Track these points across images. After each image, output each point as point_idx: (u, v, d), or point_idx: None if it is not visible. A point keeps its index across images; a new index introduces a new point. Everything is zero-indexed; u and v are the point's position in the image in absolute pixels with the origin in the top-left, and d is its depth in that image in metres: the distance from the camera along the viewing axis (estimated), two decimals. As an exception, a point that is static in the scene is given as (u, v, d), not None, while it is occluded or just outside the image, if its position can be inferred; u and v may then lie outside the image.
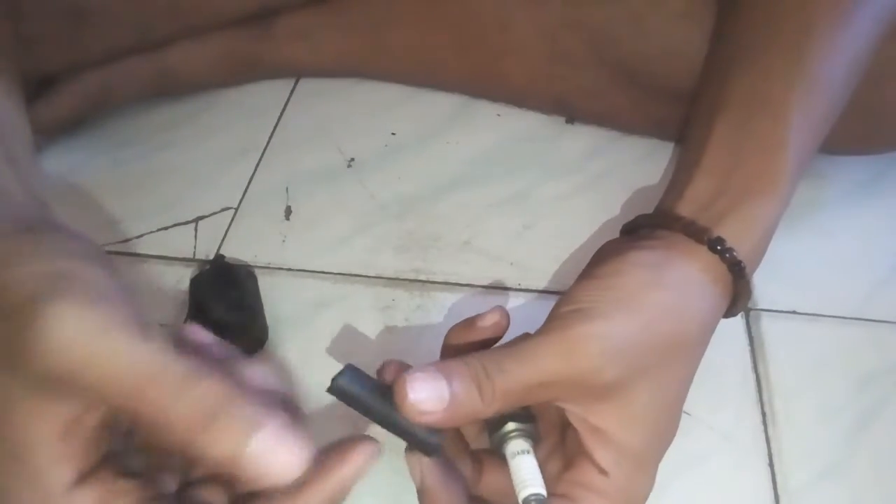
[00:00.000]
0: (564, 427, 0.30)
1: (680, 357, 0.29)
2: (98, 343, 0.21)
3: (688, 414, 0.37)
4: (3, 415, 0.22)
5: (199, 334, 0.27)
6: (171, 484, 0.26)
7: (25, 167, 0.32)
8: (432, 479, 0.28)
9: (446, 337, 0.32)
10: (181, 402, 0.21)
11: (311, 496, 0.24)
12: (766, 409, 0.37)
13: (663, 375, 0.28)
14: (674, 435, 0.29)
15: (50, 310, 0.21)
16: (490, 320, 0.31)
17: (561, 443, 0.30)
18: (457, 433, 0.31)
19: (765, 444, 0.36)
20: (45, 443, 0.22)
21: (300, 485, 0.24)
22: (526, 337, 0.28)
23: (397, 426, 0.26)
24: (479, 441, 0.31)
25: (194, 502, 0.26)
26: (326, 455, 0.25)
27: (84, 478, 0.23)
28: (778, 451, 0.36)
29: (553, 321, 0.28)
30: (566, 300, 0.28)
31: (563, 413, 0.29)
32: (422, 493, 0.28)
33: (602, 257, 0.31)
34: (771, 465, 0.35)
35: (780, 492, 0.34)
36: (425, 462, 0.28)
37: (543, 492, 0.27)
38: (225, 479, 0.27)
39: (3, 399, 0.22)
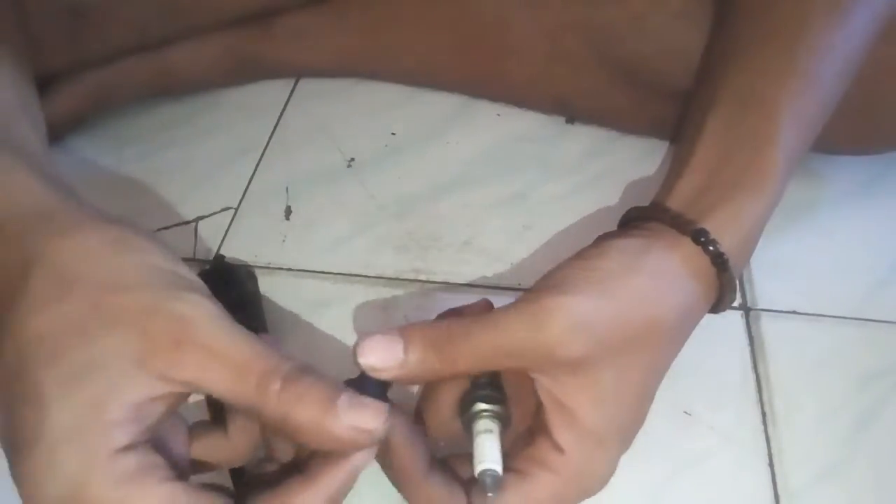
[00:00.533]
0: (538, 411, 0.30)
1: (652, 344, 0.29)
2: (220, 324, 0.25)
3: (688, 414, 0.37)
4: (97, 366, 0.23)
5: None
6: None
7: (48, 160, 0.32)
8: (398, 437, 0.28)
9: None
10: (275, 379, 0.24)
11: (317, 489, 0.25)
12: (766, 409, 0.37)
13: (633, 360, 0.28)
14: (641, 424, 0.29)
15: (189, 294, 0.25)
16: (475, 310, 0.31)
17: (530, 425, 0.30)
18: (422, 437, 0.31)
19: (765, 444, 0.36)
20: (120, 406, 0.23)
21: (307, 479, 0.25)
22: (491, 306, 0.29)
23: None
24: (450, 425, 0.31)
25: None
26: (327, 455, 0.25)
27: (131, 447, 0.23)
28: (778, 451, 0.36)
29: (527, 294, 0.28)
30: (544, 277, 0.29)
31: (538, 396, 0.29)
32: (389, 451, 0.29)
33: (589, 245, 0.31)
34: (771, 465, 0.35)
35: (780, 492, 0.34)
36: (393, 420, 0.28)
37: (498, 468, 0.27)
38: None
39: (104, 353, 0.24)
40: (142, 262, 0.25)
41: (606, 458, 0.29)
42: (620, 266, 0.29)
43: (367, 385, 0.27)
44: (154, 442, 0.25)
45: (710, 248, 0.29)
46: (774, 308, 0.41)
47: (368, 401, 0.25)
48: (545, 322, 0.27)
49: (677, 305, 0.29)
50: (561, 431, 0.28)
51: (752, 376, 0.38)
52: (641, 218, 0.32)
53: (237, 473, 0.33)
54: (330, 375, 0.25)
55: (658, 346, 0.29)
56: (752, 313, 0.41)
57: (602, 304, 0.28)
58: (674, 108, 0.44)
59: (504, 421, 0.29)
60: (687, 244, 0.30)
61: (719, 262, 0.30)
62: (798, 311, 0.41)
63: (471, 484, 0.29)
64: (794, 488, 0.34)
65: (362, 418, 0.25)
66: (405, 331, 0.27)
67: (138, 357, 0.23)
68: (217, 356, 0.24)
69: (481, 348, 0.27)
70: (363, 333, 0.27)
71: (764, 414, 0.37)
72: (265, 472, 0.29)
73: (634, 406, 0.29)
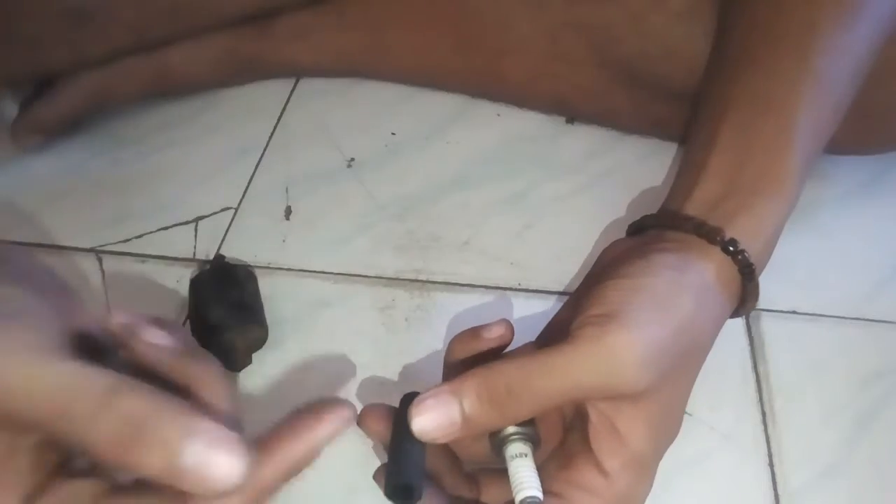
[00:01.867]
0: (567, 428, 0.30)
1: (694, 361, 0.29)
2: (7, 370, 0.21)
3: (688, 414, 0.37)
4: None
5: (156, 336, 0.26)
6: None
7: None
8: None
9: (449, 349, 0.31)
10: (102, 419, 0.20)
11: (278, 456, 0.23)
12: (766, 409, 0.37)
13: (681, 380, 0.28)
14: (675, 437, 0.29)
15: None
16: (496, 332, 0.30)
17: (561, 444, 0.30)
18: (450, 456, 0.31)
19: (765, 444, 0.36)
20: None
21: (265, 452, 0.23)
22: (551, 343, 0.27)
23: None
24: (475, 446, 0.31)
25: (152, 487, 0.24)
26: (299, 415, 0.24)
27: (32, 498, 0.22)
28: (778, 451, 0.36)
29: (585, 326, 0.26)
30: (595, 301, 0.27)
31: (565, 414, 0.28)
32: None
33: (622, 257, 0.30)
34: (771, 465, 0.35)
35: (780, 492, 0.34)
36: (378, 426, 0.29)
37: (539, 495, 0.27)
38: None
39: None
40: None
41: (648, 482, 0.29)
42: (670, 284, 0.28)
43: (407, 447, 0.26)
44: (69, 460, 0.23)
45: (739, 257, 0.29)
46: (774, 308, 0.41)
47: (230, 445, 0.21)
48: (614, 363, 0.26)
49: (713, 319, 0.29)
50: (608, 456, 0.27)
51: (752, 376, 0.38)
52: (660, 226, 0.32)
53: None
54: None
55: (697, 363, 0.29)
56: (752, 313, 0.40)
57: (662, 332, 0.27)
58: (674, 109, 0.44)
59: (535, 442, 0.29)
60: (717, 254, 0.30)
61: (747, 271, 0.30)
62: (798, 311, 0.41)
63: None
64: (794, 488, 0.34)
65: (213, 467, 0.21)
66: (457, 387, 0.26)
67: None
68: (26, 404, 0.21)
69: (545, 396, 0.26)
70: (417, 401, 0.25)
71: (764, 414, 0.37)
72: None
73: (675, 425, 0.29)
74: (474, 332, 0.31)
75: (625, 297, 0.27)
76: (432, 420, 0.25)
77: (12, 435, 0.22)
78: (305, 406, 0.24)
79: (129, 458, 0.20)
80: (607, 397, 0.27)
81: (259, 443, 0.23)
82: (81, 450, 0.21)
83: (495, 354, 0.31)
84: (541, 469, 0.28)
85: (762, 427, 0.36)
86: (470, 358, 0.30)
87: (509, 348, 0.31)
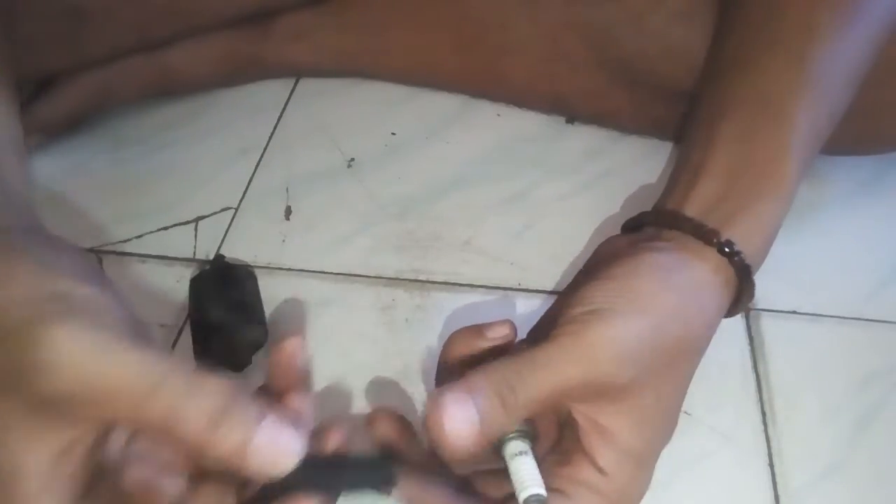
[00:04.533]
0: (562, 424, 0.30)
1: (684, 359, 0.29)
2: (99, 361, 0.22)
3: (688, 414, 0.37)
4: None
5: None
6: (174, 487, 0.26)
7: (12, 171, 0.31)
8: (397, 443, 0.29)
9: (448, 346, 0.31)
10: (191, 403, 0.23)
11: None
12: (766, 409, 0.37)
13: (669, 377, 0.28)
14: (671, 435, 0.29)
15: (48, 333, 0.22)
16: (500, 332, 0.30)
17: (558, 439, 0.30)
18: (436, 467, 0.31)
19: (765, 444, 0.36)
20: (35, 472, 0.22)
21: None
22: (536, 342, 0.28)
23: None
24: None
25: None
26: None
27: (77, 501, 0.23)
28: (778, 451, 0.36)
29: (567, 324, 0.27)
30: (579, 300, 0.28)
31: (561, 411, 0.29)
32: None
33: (613, 257, 0.30)
34: (771, 465, 0.35)
35: (780, 492, 0.34)
36: (387, 429, 0.30)
37: (543, 492, 0.27)
38: (229, 479, 0.27)
39: (5, 416, 0.22)
40: (5, 296, 0.23)
41: (647, 476, 0.29)
42: (655, 284, 0.28)
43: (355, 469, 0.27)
44: (105, 482, 0.24)
45: (736, 258, 0.30)
46: (774, 308, 0.41)
47: (287, 431, 0.24)
48: (595, 356, 0.26)
49: (705, 318, 0.29)
50: (602, 454, 0.27)
51: (752, 376, 0.38)
52: (658, 224, 0.32)
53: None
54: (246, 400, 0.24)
55: (689, 360, 0.29)
56: (752, 313, 0.41)
57: (644, 328, 0.27)
58: (674, 109, 0.44)
59: (533, 438, 0.29)
60: (713, 255, 0.30)
61: (744, 272, 0.30)
62: (798, 311, 0.41)
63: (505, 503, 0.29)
64: (794, 488, 0.34)
65: (277, 449, 0.24)
66: (470, 384, 0.26)
67: (31, 416, 0.22)
68: (113, 395, 0.22)
69: (540, 394, 0.26)
70: (434, 402, 0.26)
71: (764, 414, 0.37)
72: None
73: (669, 422, 0.29)
74: (478, 330, 0.31)
75: (607, 297, 0.28)
76: (460, 422, 0.25)
77: (78, 431, 0.23)
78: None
79: (212, 436, 0.23)
80: (590, 394, 0.27)
81: None
82: (162, 435, 0.23)
83: (495, 355, 0.30)
84: (540, 466, 0.28)
85: (762, 427, 0.36)
86: (468, 358, 0.30)
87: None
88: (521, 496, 0.27)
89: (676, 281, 0.29)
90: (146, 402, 0.22)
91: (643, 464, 0.28)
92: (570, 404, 0.28)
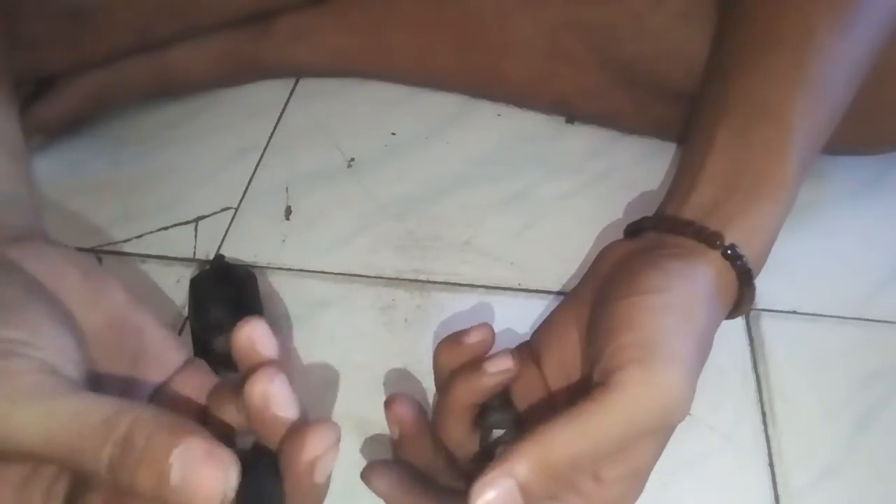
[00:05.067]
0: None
1: (701, 367, 0.29)
2: (15, 411, 0.21)
3: (688, 414, 0.37)
4: None
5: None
6: None
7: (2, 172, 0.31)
8: (410, 429, 0.29)
9: (436, 360, 0.32)
10: (103, 447, 0.21)
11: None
12: (766, 409, 0.37)
13: None
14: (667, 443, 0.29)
15: None
16: (476, 338, 0.30)
17: None
18: (446, 454, 0.31)
19: (765, 444, 0.36)
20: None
21: None
22: (585, 387, 0.26)
23: None
24: (466, 446, 0.31)
25: None
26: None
27: None
28: (778, 451, 0.36)
29: (625, 367, 0.25)
30: (623, 325, 0.27)
31: None
32: (399, 443, 0.30)
33: (632, 266, 0.29)
34: (771, 465, 0.35)
35: (780, 492, 0.34)
36: (404, 414, 0.29)
37: None
38: None
39: None
40: None
41: (641, 488, 0.29)
42: (688, 299, 0.28)
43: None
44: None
45: (738, 262, 0.30)
46: (774, 308, 0.41)
47: (214, 451, 0.21)
48: (669, 404, 0.25)
49: (713, 325, 0.30)
50: (608, 467, 0.27)
51: (752, 376, 0.38)
52: (659, 229, 0.32)
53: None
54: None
55: (702, 368, 0.29)
56: (752, 313, 0.41)
57: (695, 357, 0.27)
58: (674, 109, 0.44)
59: (514, 414, 0.30)
60: (717, 259, 0.30)
61: (745, 276, 0.30)
62: (798, 311, 0.41)
63: None
64: (794, 488, 0.34)
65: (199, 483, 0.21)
66: (511, 468, 0.24)
67: None
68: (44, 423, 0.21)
69: (605, 448, 0.25)
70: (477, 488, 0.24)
71: (764, 414, 0.37)
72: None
73: (670, 432, 0.29)
74: (455, 339, 0.31)
75: (654, 320, 0.27)
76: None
77: (32, 465, 0.23)
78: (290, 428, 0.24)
79: (126, 481, 0.21)
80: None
81: None
82: (95, 479, 0.22)
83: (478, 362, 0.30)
84: None
85: (762, 427, 0.36)
86: (459, 368, 0.31)
87: (494, 349, 0.31)
88: None
89: (699, 291, 0.28)
90: (69, 455, 0.21)
91: (642, 479, 0.28)
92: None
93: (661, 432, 0.27)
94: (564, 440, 0.24)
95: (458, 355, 0.31)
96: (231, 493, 0.21)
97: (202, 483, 0.20)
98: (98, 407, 0.21)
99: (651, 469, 0.28)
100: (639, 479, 0.28)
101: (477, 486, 0.24)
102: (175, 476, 0.20)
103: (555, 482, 0.25)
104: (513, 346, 0.32)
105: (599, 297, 0.30)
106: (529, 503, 0.24)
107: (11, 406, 0.21)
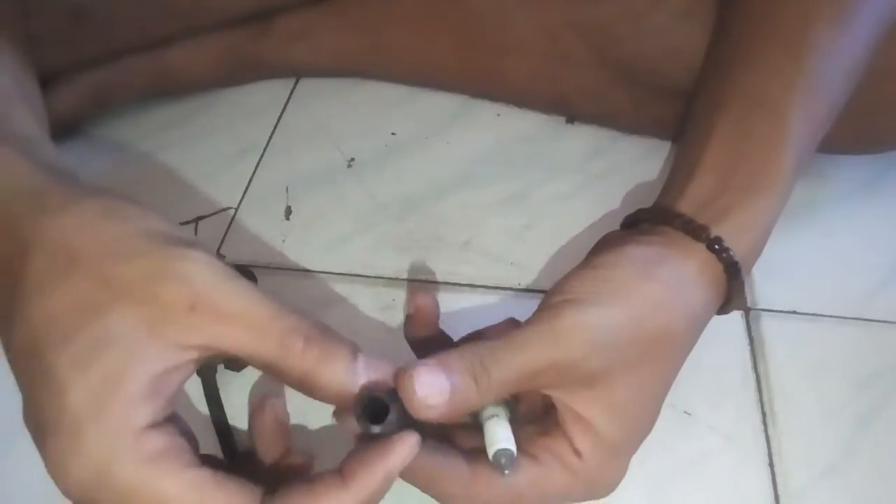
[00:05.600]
0: (546, 407, 0.30)
1: (665, 352, 0.29)
2: (223, 284, 0.24)
3: (688, 414, 0.37)
4: (111, 341, 0.23)
5: None
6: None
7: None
8: (424, 306, 0.33)
9: (405, 331, 0.34)
10: (298, 338, 0.24)
11: (357, 487, 0.25)
12: (766, 409, 0.37)
13: (647, 369, 0.28)
14: (651, 428, 0.30)
15: (181, 252, 0.24)
16: (412, 307, 0.33)
17: (541, 418, 0.30)
18: (446, 436, 0.31)
19: (765, 444, 0.36)
20: (139, 382, 0.23)
21: (344, 480, 0.25)
22: (516, 325, 0.29)
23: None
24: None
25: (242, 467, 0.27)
26: (369, 448, 0.25)
27: (155, 426, 0.23)
28: (778, 451, 0.36)
29: (544, 310, 0.28)
30: (558, 289, 0.29)
31: (546, 395, 0.29)
32: (412, 318, 0.33)
33: (600, 248, 0.31)
34: (771, 465, 0.35)
35: (780, 492, 0.34)
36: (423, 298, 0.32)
37: (512, 447, 0.27)
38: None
39: (117, 326, 0.23)
40: (140, 227, 0.25)
41: (620, 465, 0.29)
42: (635, 276, 0.29)
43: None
44: (176, 424, 0.25)
45: (724, 255, 0.30)
46: (774, 308, 0.41)
47: (383, 365, 0.26)
48: (566, 340, 0.27)
49: (690, 313, 0.30)
50: (579, 439, 0.28)
51: (752, 376, 0.38)
52: (650, 220, 0.32)
53: (227, 444, 0.33)
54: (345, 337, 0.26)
55: (670, 355, 0.29)
56: (752, 313, 0.41)
57: (618, 317, 0.27)
58: (675, 108, 0.43)
59: (510, 406, 0.29)
60: (701, 251, 0.30)
61: (732, 270, 0.30)
62: (798, 311, 0.41)
63: (474, 457, 0.29)
64: (794, 488, 0.34)
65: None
66: (443, 360, 0.26)
67: (151, 326, 0.23)
68: (234, 316, 0.24)
69: (512, 374, 0.27)
70: (403, 369, 0.26)
71: (764, 414, 0.37)
72: (283, 466, 0.29)
73: (647, 414, 0.29)
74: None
75: (585, 286, 0.28)
76: (430, 388, 0.26)
77: (182, 359, 0.24)
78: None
79: (314, 369, 0.25)
80: (564, 380, 0.27)
81: (337, 476, 0.25)
82: (269, 364, 0.25)
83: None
84: (519, 431, 0.29)
85: (762, 427, 0.36)
86: (421, 339, 0.33)
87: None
88: (491, 451, 0.27)
89: (658, 273, 0.29)
90: (265, 330, 0.24)
91: (617, 453, 0.29)
92: (547, 390, 0.28)
93: (569, 382, 0.27)
94: (483, 351, 0.27)
95: (420, 332, 0.33)
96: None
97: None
98: (285, 308, 0.25)
99: (625, 444, 0.29)
100: (614, 454, 0.28)
101: (415, 373, 0.26)
102: (360, 367, 0.25)
103: (477, 389, 0.26)
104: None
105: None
106: (456, 406, 0.26)
107: (226, 280, 0.24)
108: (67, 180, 0.27)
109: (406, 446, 0.25)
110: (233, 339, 0.24)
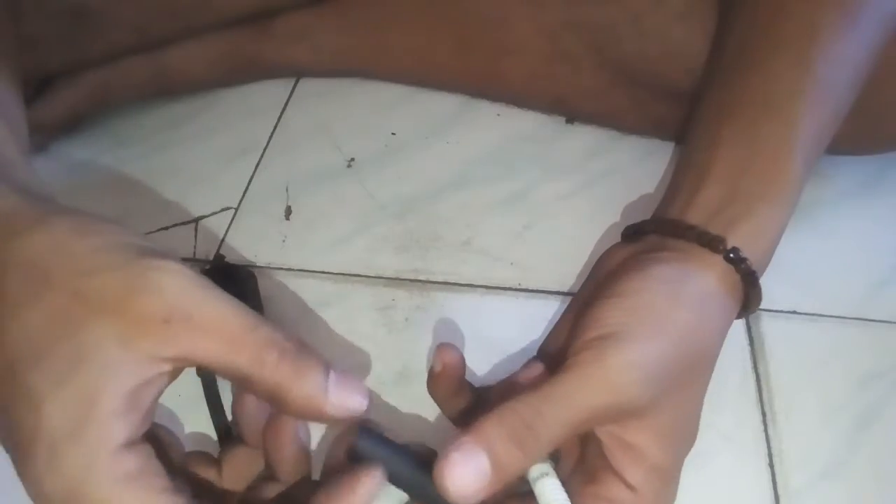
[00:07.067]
0: (584, 442, 0.30)
1: (702, 371, 0.29)
2: (198, 295, 0.24)
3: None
4: (85, 357, 0.23)
5: None
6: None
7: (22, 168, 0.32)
8: (450, 363, 0.30)
9: (429, 386, 0.32)
10: (272, 351, 0.24)
11: None
12: (766, 409, 0.37)
13: (687, 390, 0.28)
14: (692, 446, 0.29)
15: (154, 264, 0.24)
16: (438, 366, 0.31)
17: (581, 458, 0.30)
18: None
19: (765, 444, 0.36)
20: (114, 397, 0.22)
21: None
22: (540, 369, 0.28)
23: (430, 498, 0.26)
24: None
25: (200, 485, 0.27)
26: (336, 478, 0.25)
27: (132, 444, 0.23)
28: (778, 451, 0.36)
29: (584, 351, 0.27)
30: (592, 322, 0.28)
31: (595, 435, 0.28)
32: (436, 376, 0.31)
33: (621, 271, 0.30)
34: (771, 465, 0.35)
35: (780, 492, 0.34)
36: (449, 354, 0.30)
37: None
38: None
39: (91, 342, 0.23)
40: (111, 241, 0.24)
41: (673, 492, 0.29)
42: (664, 301, 0.28)
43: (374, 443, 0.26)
44: (155, 442, 0.24)
45: (742, 265, 0.29)
46: (774, 308, 0.41)
47: (354, 382, 0.25)
48: (616, 384, 0.26)
49: (718, 329, 0.29)
50: (631, 471, 0.27)
51: (752, 376, 0.38)
52: (659, 232, 0.32)
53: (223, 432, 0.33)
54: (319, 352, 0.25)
55: (705, 371, 0.29)
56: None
57: (660, 349, 0.27)
58: (675, 109, 0.43)
59: (554, 458, 0.29)
60: (719, 262, 0.30)
61: (750, 278, 0.30)
62: (798, 311, 0.41)
63: None
64: (794, 488, 0.34)
65: (349, 398, 0.25)
66: (479, 434, 0.25)
67: (125, 340, 0.23)
68: (209, 328, 0.23)
69: (562, 429, 0.26)
70: (442, 459, 0.24)
71: (764, 414, 0.37)
72: (267, 496, 0.29)
73: (691, 433, 0.29)
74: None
75: (621, 318, 0.27)
76: (466, 477, 0.24)
77: (155, 372, 0.24)
78: (336, 477, 0.26)
79: (286, 383, 0.24)
80: (613, 418, 0.27)
81: None
82: (242, 377, 0.24)
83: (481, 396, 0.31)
84: (565, 485, 0.28)
85: (762, 427, 0.36)
86: (467, 409, 0.31)
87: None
88: None
89: (686, 294, 0.28)
90: (239, 342, 0.24)
91: (670, 479, 0.28)
92: (593, 427, 0.28)
93: (619, 417, 0.27)
94: (524, 409, 0.25)
95: (441, 388, 0.31)
96: None
97: (353, 400, 0.25)
98: (260, 320, 0.24)
99: (674, 466, 0.28)
100: (666, 478, 0.28)
101: (447, 461, 0.24)
102: (332, 384, 0.25)
103: (523, 454, 0.25)
104: (512, 347, 0.32)
105: (587, 301, 0.30)
106: (501, 478, 0.25)
107: (201, 290, 0.24)
108: (33, 200, 0.26)
109: (372, 479, 0.25)
110: (207, 350, 0.23)
